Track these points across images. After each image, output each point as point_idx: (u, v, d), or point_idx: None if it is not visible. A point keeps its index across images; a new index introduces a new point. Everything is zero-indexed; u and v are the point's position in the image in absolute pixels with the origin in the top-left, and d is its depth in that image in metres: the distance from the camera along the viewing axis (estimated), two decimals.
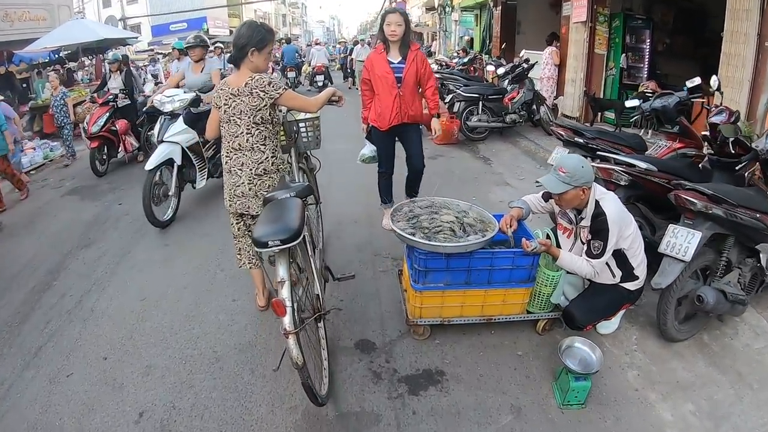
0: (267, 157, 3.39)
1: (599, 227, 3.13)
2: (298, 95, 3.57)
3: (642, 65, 10.89)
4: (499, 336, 3.70)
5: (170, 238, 5.87)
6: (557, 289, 3.46)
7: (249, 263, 3.80)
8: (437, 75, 12.06)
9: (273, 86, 3.26)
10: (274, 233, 2.60)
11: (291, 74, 18.42)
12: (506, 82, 10.80)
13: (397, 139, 5.36)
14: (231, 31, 39.18)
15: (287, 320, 2.56)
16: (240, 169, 3.37)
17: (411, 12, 33.20)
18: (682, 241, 3.25)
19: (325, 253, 4.94)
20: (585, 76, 10.83)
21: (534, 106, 10.44)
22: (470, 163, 8.76)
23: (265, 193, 3.25)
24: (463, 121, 9.85)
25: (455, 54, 19.83)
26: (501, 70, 10.57)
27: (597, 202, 3.19)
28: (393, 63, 4.91)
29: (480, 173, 8.07)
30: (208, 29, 36.55)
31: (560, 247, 3.41)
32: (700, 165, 4.38)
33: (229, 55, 3.59)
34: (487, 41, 16.50)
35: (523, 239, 3.22)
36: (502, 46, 14.26)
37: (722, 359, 3.45)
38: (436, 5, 23.39)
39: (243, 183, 3.38)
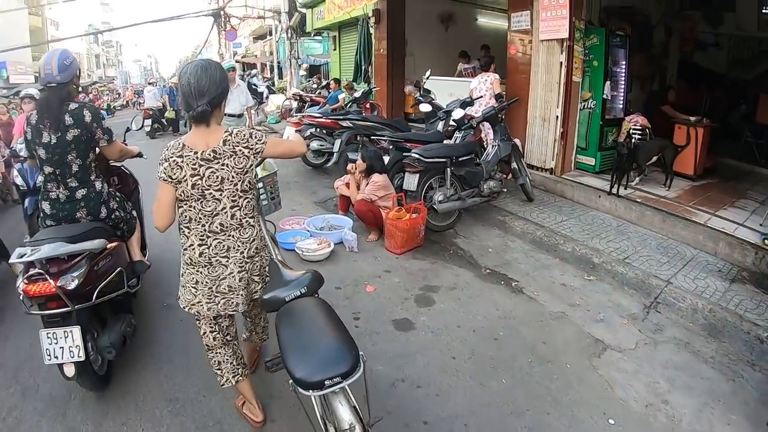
0: (257, 232, 2.69)
1: None
2: (280, 139, 3.12)
3: (617, 94, 7.92)
4: None
5: None
6: None
7: (234, 377, 2.87)
8: (323, 119, 8.04)
9: (256, 137, 2.57)
10: (327, 366, 1.95)
11: None
12: (440, 124, 7.00)
13: None
14: (36, 77, 33.06)
15: None
16: (225, 257, 2.58)
17: (240, 42, 29.96)
18: None
19: None
20: (563, 113, 7.32)
21: (515, 165, 6.57)
22: (486, 293, 4.66)
23: (257, 278, 2.69)
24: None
25: (314, 86, 15.80)
26: (457, 114, 6.48)
27: None
28: None
29: (528, 320, 4.24)
30: (8, 77, 31.74)
31: None
32: None
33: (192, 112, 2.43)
34: (363, 66, 12.48)
35: None
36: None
37: None
38: (280, 30, 19.44)
39: (231, 273, 2.60)
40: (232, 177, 2.50)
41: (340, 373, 1.92)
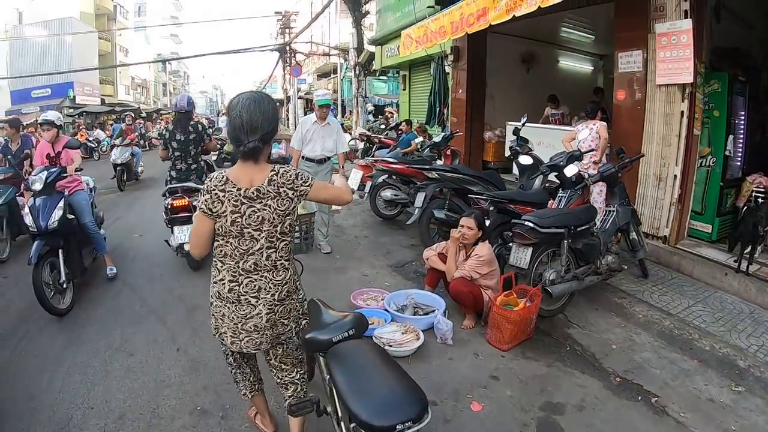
0: (290, 275, 2.60)
1: None
2: (326, 184, 2.86)
3: (735, 149, 6.73)
4: None
5: None
6: None
7: (250, 392, 2.98)
8: (401, 166, 7.41)
9: (302, 179, 2.49)
10: (397, 409, 1.92)
11: None
12: (537, 180, 6.04)
13: None
14: (103, 100, 37.33)
15: None
16: (255, 297, 2.50)
17: (304, 79, 29.86)
18: None
19: None
20: (682, 172, 6.25)
21: (633, 235, 5.50)
22: (624, 414, 3.59)
23: (286, 321, 2.60)
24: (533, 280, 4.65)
25: (381, 127, 15.05)
26: (571, 170, 5.46)
27: None
28: None
29: None
30: (74, 96, 33.47)
31: None
32: None
33: (243, 147, 2.38)
34: (437, 107, 11.56)
35: None
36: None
37: None
38: (345, 68, 18.91)
39: (259, 314, 2.51)
40: (273, 218, 2.44)
41: (412, 417, 1.89)
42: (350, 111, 16.89)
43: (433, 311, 4.62)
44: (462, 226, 4.66)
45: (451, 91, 11.27)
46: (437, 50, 10.46)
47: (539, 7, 5.60)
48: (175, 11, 69.93)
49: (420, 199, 6.36)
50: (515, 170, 9.63)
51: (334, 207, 6.82)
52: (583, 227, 4.71)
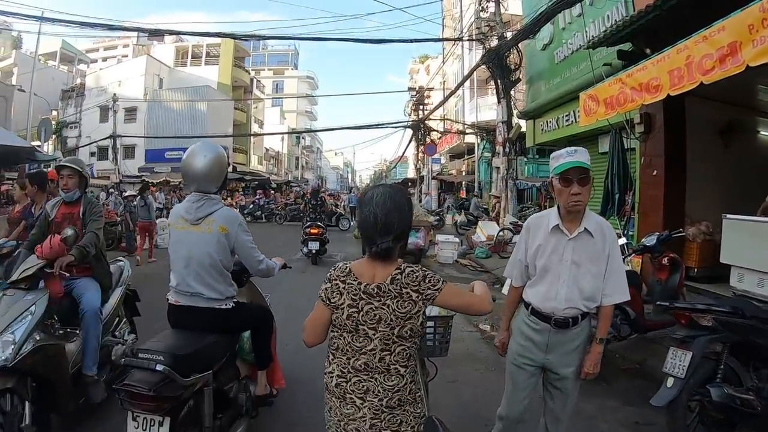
0: (406, 383, 2.23)
1: None
2: (462, 290, 2.40)
3: None
4: None
5: None
6: None
7: None
8: None
9: (430, 281, 2.17)
10: None
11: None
12: None
13: None
14: (235, 168, 39.96)
15: None
16: (361, 398, 2.20)
17: (438, 158, 29.43)
18: None
19: None
20: None
21: None
22: None
23: None
24: None
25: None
26: None
27: None
28: None
29: None
30: None
31: None
32: None
33: (375, 248, 2.18)
34: (617, 193, 9.06)
35: None
36: None
37: None
38: (482, 148, 17.08)
39: (363, 418, 2.18)
40: (391, 320, 2.16)
41: None
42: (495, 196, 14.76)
43: None
44: None
45: (639, 171, 8.83)
46: (619, 119, 8.23)
47: None
48: (310, 89, 73.74)
49: (684, 361, 3.44)
50: (735, 282, 6.95)
51: None
52: None
